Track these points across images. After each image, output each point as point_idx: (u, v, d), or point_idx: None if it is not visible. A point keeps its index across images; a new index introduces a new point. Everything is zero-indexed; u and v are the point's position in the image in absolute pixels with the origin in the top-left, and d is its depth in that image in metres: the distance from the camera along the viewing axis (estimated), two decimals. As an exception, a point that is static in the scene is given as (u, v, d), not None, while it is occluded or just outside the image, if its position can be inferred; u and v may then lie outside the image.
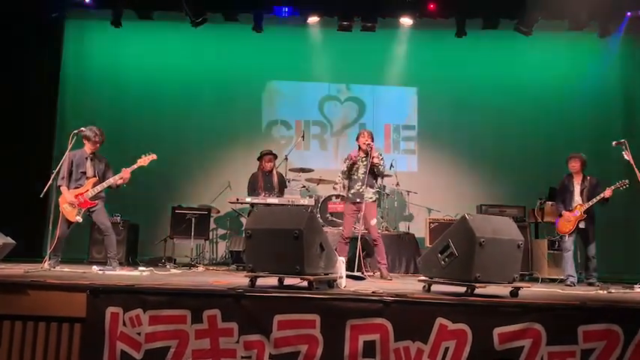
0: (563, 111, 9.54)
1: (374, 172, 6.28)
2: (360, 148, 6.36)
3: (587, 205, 6.41)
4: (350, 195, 6.35)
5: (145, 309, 3.72)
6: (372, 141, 6.30)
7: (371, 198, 6.25)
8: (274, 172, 7.73)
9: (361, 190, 6.20)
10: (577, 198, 6.55)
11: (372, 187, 6.29)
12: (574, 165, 6.60)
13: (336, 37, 9.06)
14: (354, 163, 6.33)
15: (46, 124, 9.24)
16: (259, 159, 7.82)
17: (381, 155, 6.35)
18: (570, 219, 6.51)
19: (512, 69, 9.74)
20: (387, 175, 8.69)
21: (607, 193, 6.28)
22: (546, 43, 9.23)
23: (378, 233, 6.29)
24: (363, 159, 6.32)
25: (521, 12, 8.49)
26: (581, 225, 6.49)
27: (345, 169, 6.39)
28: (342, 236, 6.32)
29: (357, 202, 6.24)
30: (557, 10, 8.44)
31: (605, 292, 5.27)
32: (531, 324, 3.60)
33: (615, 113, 9.58)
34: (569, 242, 6.56)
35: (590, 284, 6.34)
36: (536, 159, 9.34)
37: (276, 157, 7.87)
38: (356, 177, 6.31)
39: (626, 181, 6.28)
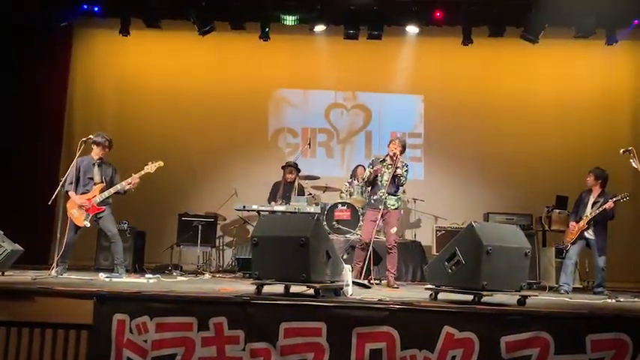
0: (570, 118, 9.50)
1: (395, 181, 6.23)
2: (388, 154, 6.34)
3: (590, 216, 6.41)
4: (372, 201, 6.29)
5: (152, 316, 3.73)
6: (404, 150, 6.29)
7: (393, 205, 6.19)
8: (296, 183, 7.82)
9: (383, 197, 6.17)
10: (588, 210, 6.53)
11: (394, 194, 6.24)
12: (587, 180, 6.67)
13: (343, 45, 9.08)
14: (377, 174, 6.29)
15: (54, 132, 9.30)
16: (283, 169, 7.93)
17: (406, 166, 6.31)
18: (574, 229, 6.55)
19: (518, 77, 9.72)
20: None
21: (608, 205, 6.26)
22: (553, 50, 9.21)
23: (396, 242, 6.24)
24: (389, 166, 6.28)
25: (528, 19, 8.49)
26: (588, 235, 6.48)
27: (367, 178, 6.38)
28: (359, 242, 6.29)
29: (380, 209, 6.17)
30: (563, 17, 8.43)
31: (614, 300, 5.24)
32: (539, 333, 3.57)
33: (622, 120, 9.52)
34: (571, 251, 6.59)
35: (596, 294, 6.30)
36: (544, 167, 9.30)
37: (299, 170, 7.93)
38: (380, 183, 6.26)
39: (627, 193, 6.30)
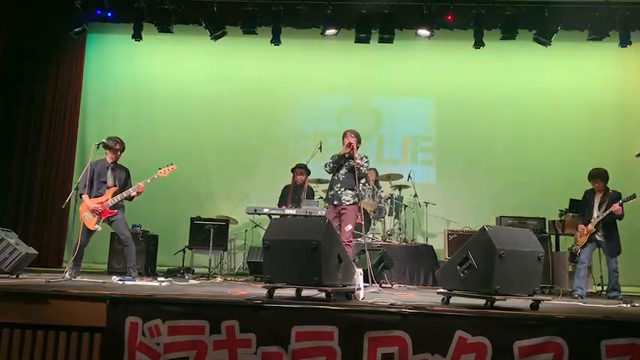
0: (583, 121, 9.45)
1: (355, 174, 5.92)
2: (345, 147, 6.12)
3: (598, 219, 6.34)
4: (329, 196, 6.10)
5: (164, 319, 3.74)
6: (359, 142, 6.10)
7: (349, 201, 5.95)
8: (305, 186, 7.79)
9: (339, 192, 5.98)
10: (595, 212, 6.47)
11: (351, 189, 5.97)
12: (596, 185, 6.54)
13: (354, 48, 9.08)
14: (341, 157, 6.07)
15: (68, 136, 9.40)
16: (292, 171, 7.91)
17: (365, 157, 6.10)
18: (584, 232, 6.48)
19: (530, 79, 9.69)
20: (405, 186, 8.68)
21: (615, 208, 6.19)
22: (565, 52, 9.16)
23: (351, 240, 5.95)
24: (347, 159, 6.08)
25: (540, 22, 8.44)
26: (598, 237, 6.41)
27: (330, 161, 6.15)
28: None
29: (335, 205, 6.00)
30: (576, 20, 8.38)
31: (629, 305, 5.17)
32: (553, 338, 3.53)
33: (636, 122, 9.43)
34: (583, 255, 6.49)
35: (610, 298, 6.21)
36: (557, 170, 9.24)
37: (309, 172, 7.90)
38: (336, 178, 6.09)
39: (634, 194, 6.19)
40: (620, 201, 6.21)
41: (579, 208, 6.83)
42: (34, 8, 8.86)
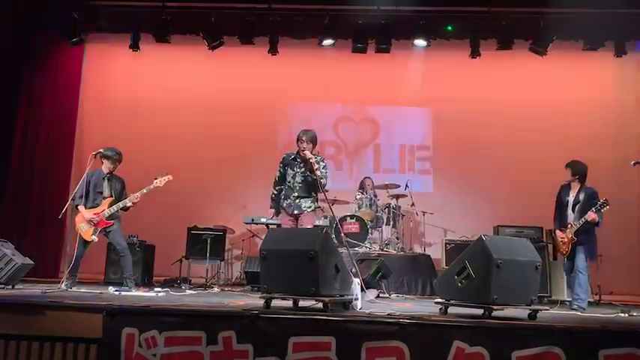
0: (580, 130, 9.46)
1: (313, 182, 5.58)
2: (298, 152, 5.71)
3: (575, 227, 5.95)
4: (285, 205, 5.70)
5: (161, 330, 3.72)
6: (315, 145, 5.66)
7: (310, 207, 5.66)
8: None
9: (297, 200, 5.65)
10: (570, 215, 6.11)
11: (308, 196, 5.67)
12: (568, 169, 6.24)
13: (351, 58, 9.11)
14: (285, 169, 5.73)
15: (64, 146, 9.40)
16: None
17: (323, 161, 5.66)
18: (564, 240, 6.07)
19: (527, 89, 9.72)
20: (402, 196, 8.69)
21: (590, 217, 5.79)
22: (562, 61, 9.20)
23: None
24: (301, 165, 5.70)
25: (536, 32, 8.50)
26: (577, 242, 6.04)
27: (276, 178, 5.86)
28: None
29: (295, 214, 5.65)
30: (572, 30, 8.43)
31: (627, 315, 5.17)
32: (551, 347, 3.52)
33: (633, 133, 9.47)
34: (569, 267, 6.15)
35: (573, 309, 5.75)
36: (554, 179, 9.19)
37: None
38: (291, 185, 5.70)
39: (605, 199, 5.82)
40: (594, 209, 5.81)
41: (555, 209, 6.43)
42: (33, 11, 8.87)
